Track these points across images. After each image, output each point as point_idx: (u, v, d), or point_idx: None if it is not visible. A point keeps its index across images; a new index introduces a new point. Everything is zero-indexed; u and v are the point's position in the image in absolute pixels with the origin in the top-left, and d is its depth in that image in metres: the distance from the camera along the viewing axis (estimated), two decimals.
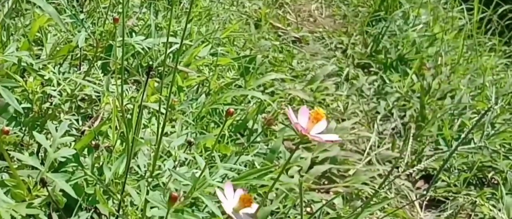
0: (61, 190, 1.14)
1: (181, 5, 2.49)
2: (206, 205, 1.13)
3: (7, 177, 1.14)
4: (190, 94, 1.98)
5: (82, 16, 1.73)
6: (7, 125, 1.30)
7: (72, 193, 1.10)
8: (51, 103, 1.45)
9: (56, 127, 1.19)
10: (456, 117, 2.35)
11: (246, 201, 0.85)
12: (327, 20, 3.34)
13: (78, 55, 1.76)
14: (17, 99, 1.33)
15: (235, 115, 1.94)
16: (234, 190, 0.88)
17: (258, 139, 1.90)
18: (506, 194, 1.94)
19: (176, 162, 1.32)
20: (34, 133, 1.13)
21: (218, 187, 1.08)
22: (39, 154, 1.36)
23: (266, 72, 2.39)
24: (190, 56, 2.10)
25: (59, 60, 1.75)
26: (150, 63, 2.04)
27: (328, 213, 1.73)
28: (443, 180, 2.07)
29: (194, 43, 2.16)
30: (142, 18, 2.22)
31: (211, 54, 2.19)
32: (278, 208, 1.65)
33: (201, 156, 1.60)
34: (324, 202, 1.78)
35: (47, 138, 1.24)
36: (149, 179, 1.20)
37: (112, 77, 1.53)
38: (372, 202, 1.74)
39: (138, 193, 1.17)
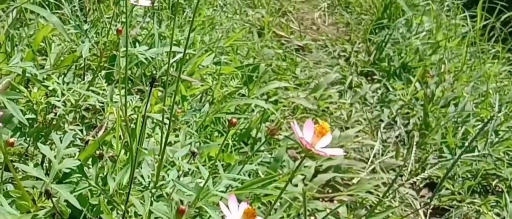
0: (66, 201, 1.14)
1: (184, 14, 2.50)
2: (210, 215, 1.13)
3: (12, 188, 1.15)
4: (193, 103, 1.98)
5: (86, 26, 1.74)
6: (12, 136, 1.31)
7: (76, 204, 1.10)
8: (56, 114, 1.45)
9: (60, 138, 1.20)
10: (460, 125, 2.35)
11: (250, 215, 0.85)
12: (330, 28, 3.34)
13: (82, 65, 1.76)
14: (21, 110, 1.33)
15: (238, 124, 1.95)
16: (238, 202, 0.88)
17: (262, 148, 1.90)
18: (510, 202, 1.93)
19: (180, 172, 1.32)
20: (39, 144, 1.13)
21: (222, 198, 1.08)
22: (44, 165, 1.37)
23: (269, 80, 2.39)
24: (194, 65, 2.11)
25: (63, 70, 1.76)
26: (154, 72, 2.05)
27: None
28: (447, 188, 2.07)
29: (198, 52, 2.17)
30: (145, 27, 2.23)
31: (215, 63, 2.20)
32: (282, 217, 1.65)
33: (205, 165, 1.61)
34: (328, 211, 1.78)
35: (51, 149, 1.24)
36: (153, 190, 1.20)
37: (116, 87, 1.53)
38: (376, 211, 1.74)
39: (142, 203, 1.17)
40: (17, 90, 1.39)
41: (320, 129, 0.82)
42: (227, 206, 0.86)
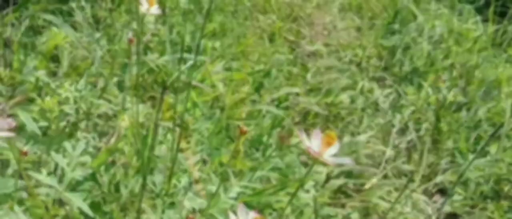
0: (78, 208, 1.15)
1: (195, 20, 2.51)
2: None
3: (26, 196, 1.16)
4: (204, 109, 1.99)
5: (98, 34, 1.75)
6: (25, 144, 1.32)
7: (89, 211, 1.11)
8: (68, 122, 1.47)
9: (73, 146, 1.21)
10: (472, 130, 2.34)
11: None
12: (341, 33, 3.34)
13: (95, 72, 1.78)
14: (34, 118, 1.35)
15: (250, 129, 1.95)
16: (248, 210, 0.88)
17: (273, 154, 1.90)
18: None
19: (192, 179, 1.33)
20: (52, 153, 1.14)
21: (233, 205, 1.08)
22: (57, 172, 1.37)
23: (280, 86, 2.39)
24: (205, 71, 2.12)
25: (75, 77, 1.77)
26: (165, 79, 2.06)
27: None
28: (459, 194, 2.06)
29: (209, 58, 2.18)
30: (156, 34, 2.24)
31: (226, 69, 2.20)
32: None
33: (216, 172, 1.61)
34: (340, 217, 1.78)
35: (64, 156, 1.25)
36: (165, 197, 1.21)
37: (127, 94, 1.54)
38: (388, 217, 1.74)
39: (154, 211, 1.18)
40: (30, 99, 1.41)
41: (328, 138, 0.83)
42: (236, 214, 0.87)
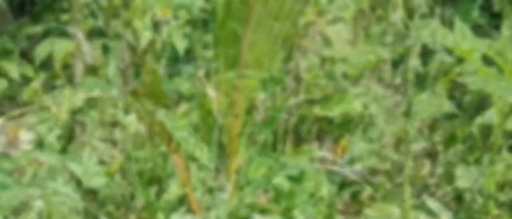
0: (94, 217, 1.16)
1: (208, 28, 2.52)
2: None
3: (42, 205, 1.17)
4: (218, 116, 1.99)
5: (111, 43, 1.77)
6: (40, 153, 1.33)
7: None
8: (83, 130, 1.48)
9: (88, 154, 1.21)
10: (487, 136, 2.33)
11: None
12: (353, 40, 3.34)
13: (108, 80, 1.79)
14: (49, 127, 1.36)
15: (263, 136, 1.95)
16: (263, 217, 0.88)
17: (287, 161, 1.90)
18: None
19: (205, 188, 1.33)
20: (67, 162, 1.15)
21: (246, 214, 1.09)
22: (73, 181, 1.38)
23: (293, 93, 2.39)
24: (218, 79, 2.12)
25: (89, 86, 1.78)
26: (179, 86, 2.06)
27: None
28: (474, 201, 2.05)
29: (222, 66, 2.18)
30: (169, 42, 2.25)
31: (238, 76, 2.20)
32: None
33: (229, 179, 1.61)
34: None
35: (79, 165, 1.26)
36: (180, 206, 1.21)
37: (142, 103, 1.55)
38: None
39: None
40: (44, 107, 1.42)
41: (340, 148, 0.83)
42: None
